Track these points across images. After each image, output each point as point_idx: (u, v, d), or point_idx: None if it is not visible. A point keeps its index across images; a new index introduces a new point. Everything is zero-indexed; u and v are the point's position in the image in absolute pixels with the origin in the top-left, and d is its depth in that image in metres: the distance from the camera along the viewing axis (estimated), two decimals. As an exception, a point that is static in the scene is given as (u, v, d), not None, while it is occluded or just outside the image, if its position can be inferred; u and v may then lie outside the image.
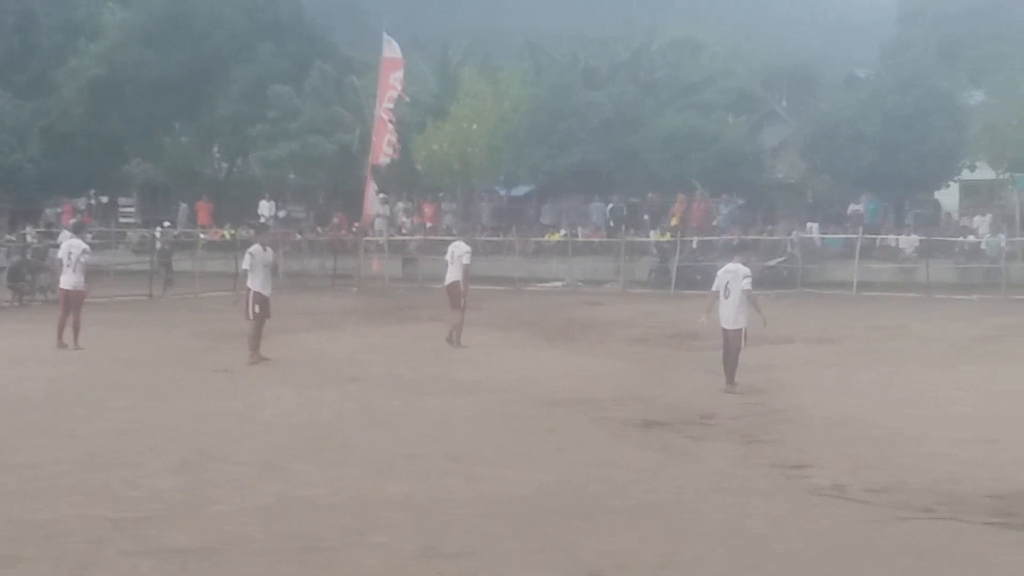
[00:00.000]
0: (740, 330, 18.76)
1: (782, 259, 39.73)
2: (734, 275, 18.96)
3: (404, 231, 48.24)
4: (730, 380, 18.73)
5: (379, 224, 47.23)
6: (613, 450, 13.94)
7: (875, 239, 41.67)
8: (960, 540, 10.22)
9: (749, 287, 18.82)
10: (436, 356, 22.67)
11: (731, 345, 18.82)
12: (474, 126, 46.96)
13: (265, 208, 50.57)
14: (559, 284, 42.28)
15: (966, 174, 44.12)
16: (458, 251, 24.77)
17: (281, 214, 50.95)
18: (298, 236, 47.15)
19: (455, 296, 24.47)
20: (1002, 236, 39.85)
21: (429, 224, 48.65)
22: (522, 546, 9.86)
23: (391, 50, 44.06)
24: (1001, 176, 43.18)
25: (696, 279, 40.34)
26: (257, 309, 21.22)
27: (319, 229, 50.29)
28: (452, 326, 24.38)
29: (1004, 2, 60.17)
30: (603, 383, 19.32)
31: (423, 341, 25.15)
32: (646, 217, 46.02)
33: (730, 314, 18.88)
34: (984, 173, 43.60)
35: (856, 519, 10.81)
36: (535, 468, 12.81)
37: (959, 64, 49.67)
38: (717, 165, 44.71)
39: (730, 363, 18.81)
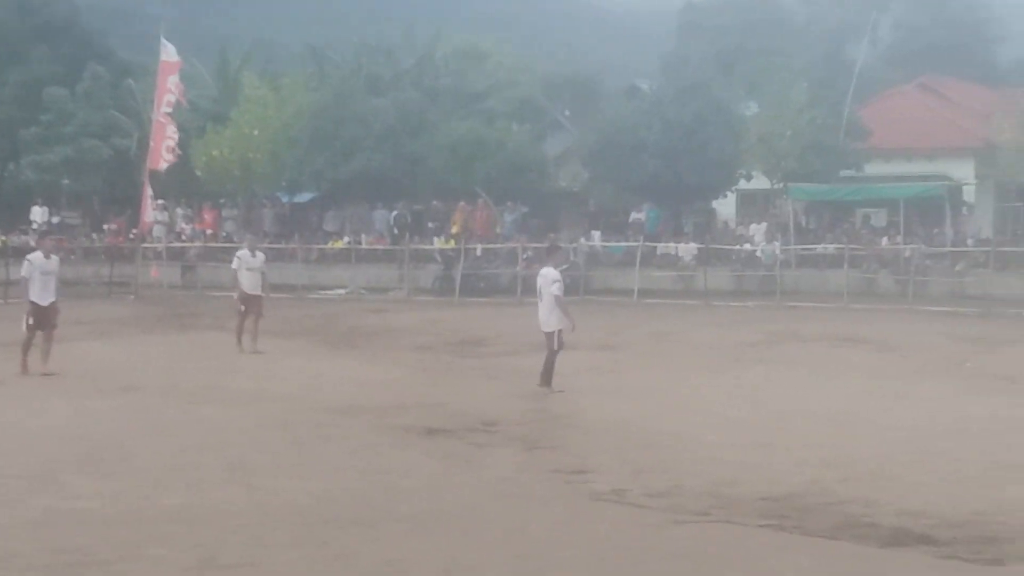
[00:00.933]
0: (552, 333, 19.04)
1: (565, 267, 40.00)
2: (544, 279, 19.32)
3: (184, 237, 47.33)
4: (544, 383, 18.99)
5: (158, 231, 46.24)
6: (396, 458, 13.83)
7: (655, 247, 42.34)
8: (735, 542, 10.36)
9: (557, 291, 19.10)
10: (216, 365, 22.24)
11: (546, 347, 19.07)
12: (255, 132, 46.37)
13: (38, 214, 49.06)
14: (342, 292, 41.96)
15: (743, 184, 45.13)
16: (256, 262, 24.98)
17: (55, 220, 49.47)
18: (70, 243, 45.79)
19: (256, 304, 24.49)
20: (777, 244, 40.85)
21: (209, 231, 47.83)
22: (302, 556, 9.72)
23: (168, 53, 43.15)
24: (776, 186, 44.29)
25: (480, 286, 40.60)
26: (31, 321, 20.63)
27: (94, 236, 49.01)
28: (251, 333, 24.27)
29: (778, 17, 61.91)
30: (387, 391, 19.20)
31: (203, 350, 24.75)
32: (431, 224, 46.02)
33: (543, 317, 19.24)
34: (760, 183, 44.64)
35: (635, 523, 10.90)
36: (316, 477, 12.66)
37: (736, 76, 50.85)
38: (501, 173, 44.88)
39: (545, 365, 19.02)
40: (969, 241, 40.67)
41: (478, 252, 42.67)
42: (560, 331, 19.08)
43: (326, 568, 9.44)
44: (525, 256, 40.86)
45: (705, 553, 9.96)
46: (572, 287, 38.05)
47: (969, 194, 44.90)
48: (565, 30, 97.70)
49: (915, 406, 17.77)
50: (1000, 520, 10.98)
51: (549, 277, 19.32)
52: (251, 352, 23.94)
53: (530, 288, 38.26)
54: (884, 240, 41.25)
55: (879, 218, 44.58)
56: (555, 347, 19.06)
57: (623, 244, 42.81)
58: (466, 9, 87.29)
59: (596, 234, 44.33)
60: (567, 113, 58.13)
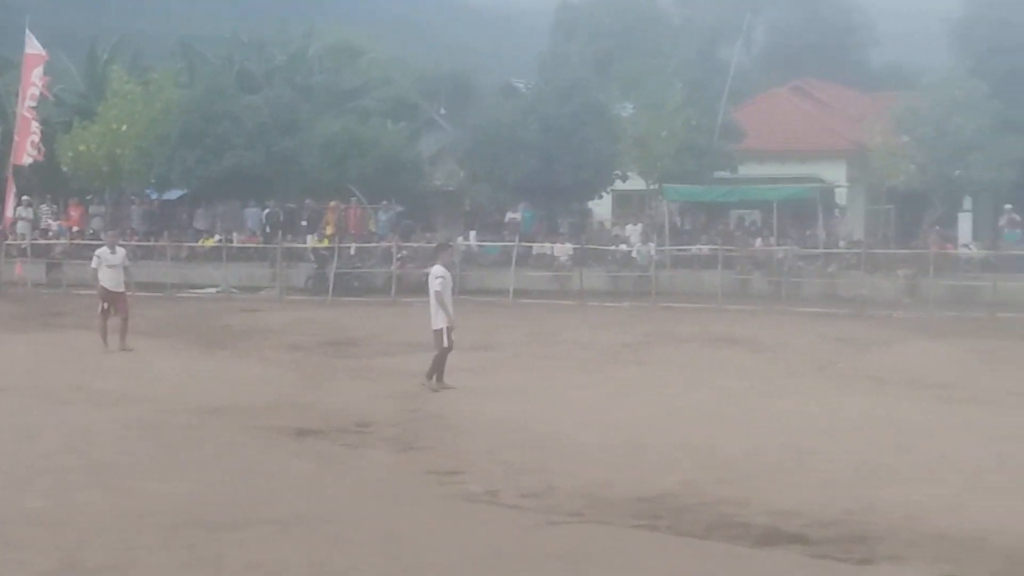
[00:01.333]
0: (438, 331, 19.16)
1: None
2: (431, 277, 19.58)
3: (49, 234, 46.34)
4: (430, 378, 19.13)
5: (22, 227, 45.23)
6: (265, 459, 13.62)
7: (531, 247, 42.34)
8: (608, 543, 10.34)
9: (437, 287, 19.28)
10: (81, 365, 21.75)
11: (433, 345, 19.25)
12: (124, 127, 45.54)
13: None
14: (213, 291, 41.36)
15: (619, 184, 45.25)
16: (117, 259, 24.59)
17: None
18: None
19: (120, 302, 24.12)
20: (652, 245, 41.02)
21: (76, 228, 46.86)
22: (168, 559, 9.52)
23: (32, 46, 42.38)
24: (651, 187, 44.48)
25: (354, 286, 40.29)
26: None
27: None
28: (117, 332, 23.86)
29: (654, 18, 62.30)
30: (257, 391, 18.92)
31: (68, 349, 24.21)
32: (304, 223, 45.55)
33: (432, 315, 19.32)
34: (636, 184, 44.79)
35: (508, 525, 10.84)
36: (183, 479, 12.42)
37: (612, 77, 51.00)
38: (376, 171, 44.54)
39: (433, 363, 19.16)
40: (841, 243, 41.21)
41: (352, 251, 42.33)
42: (448, 329, 19.07)
43: (192, 571, 9.26)
44: (400, 256, 40.64)
45: (578, 554, 9.90)
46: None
47: (841, 196, 45.49)
48: (440, 28, 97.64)
49: (788, 407, 17.89)
50: (870, 519, 11.10)
51: (433, 274, 19.52)
52: (118, 351, 23.49)
53: (405, 288, 38.41)
54: (758, 241, 41.65)
55: (753, 219, 45.00)
56: (443, 344, 19.07)
57: (499, 244, 42.74)
58: (339, 6, 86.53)
59: (472, 234, 44.20)
60: (443, 112, 57.92)
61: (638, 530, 10.76)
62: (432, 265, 20.29)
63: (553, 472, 13.03)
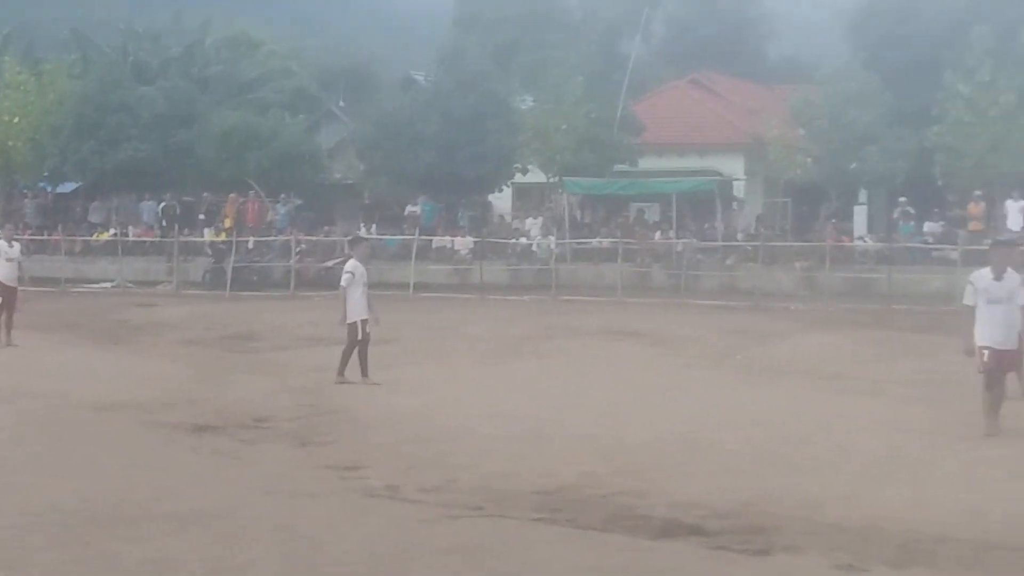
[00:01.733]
0: (352, 324, 19.05)
1: (339, 260, 39.67)
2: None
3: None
4: (362, 374, 19.09)
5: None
6: (161, 455, 13.47)
7: (431, 240, 42.25)
8: (508, 536, 10.30)
9: (343, 283, 19.26)
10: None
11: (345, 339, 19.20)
12: (16, 119, 44.86)
13: None
14: (109, 285, 40.85)
15: (519, 177, 45.24)
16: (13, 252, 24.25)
17: None
18: None
19: (11, 296, 23.81)
20: (552, 238, 41.12)
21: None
22: (61, 557, 9.34)
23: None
24: (552, 180, 44.56)
25: (252, 280, 39.96)
26: None
27: None
28: (4, 326, 23.55)
29: (554, 11, 62.34)
30: (153, 386, 18.69)
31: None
32: (201, 216, 45.10)
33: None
34: (536, 176, 44.85)
35: (408, 519, 10.76)
36: (76, 475, 12.22)
37: (512, 70, 51.01)
38: (274, 164, 44.19)
39: (356, 357, 19.12)
40: (739, 236, 41.56)
41: (250, 245, 42.00)
42: (363, 322, 18.94)
43: (86, 569, 9.11)
44: (299, 249, 40.37)
45: (478, 547, 9.85)
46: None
47: (739, 189, 45.87)
48: (339, 20, 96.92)
49: (687, 398, 18.00)
50: (768, 510, 11.14)
51: (345, 269, 19.51)
52: (4, 346, 23.10)
53: (303, 282, 38.19)
54: (657, 234, 41.85)
55: (652, 213, 45.21)
56: (357, 337, 18.97)
57: (399, 237, 42.60)
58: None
59: (372, 227, 43.99)
60: (342, 104, 57.60)
61: (538, 523, 10.73)
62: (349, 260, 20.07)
63: (454, 466, 12.99)
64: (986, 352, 14.52)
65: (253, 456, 13.58)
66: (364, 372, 19.05)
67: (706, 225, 42.48)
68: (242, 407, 16.81)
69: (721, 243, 40.89)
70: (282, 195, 44.71)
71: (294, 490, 11.85)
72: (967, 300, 14.85)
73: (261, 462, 13.24)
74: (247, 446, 14.17)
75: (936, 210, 41.28)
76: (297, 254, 40.13)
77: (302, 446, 14.24)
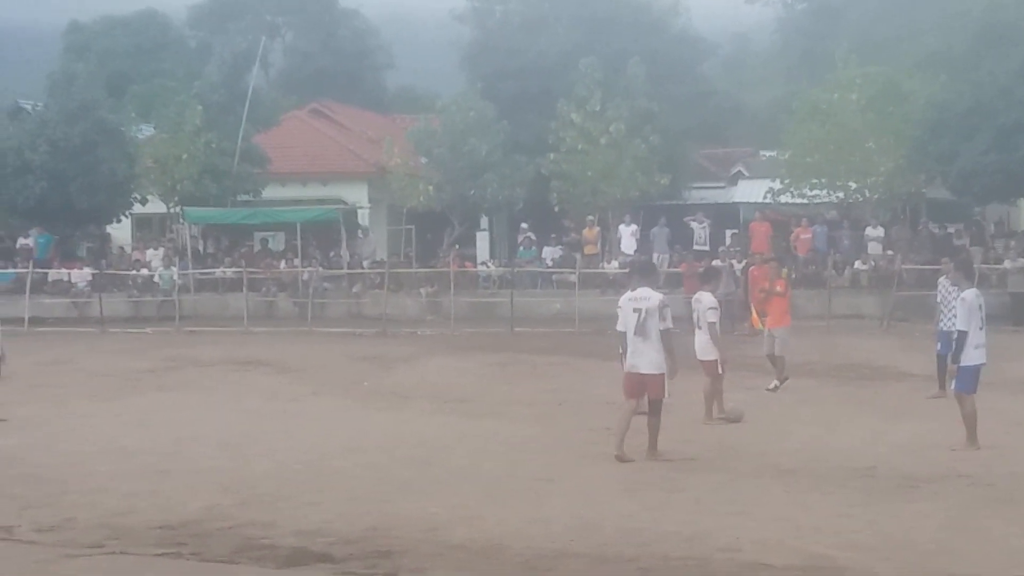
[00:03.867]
0: None
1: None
2: None
3: None
4: None
5: None
6: None
7: (47, 273, 40.70)
8: (131, 572, 10.13)
9: None
10: None
11: None
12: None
13: None
14: None
15: (138, 207, 44.11)
16: None
17: None
18: None
19: None
20: (175, 269, 40.30)
21: None
22: None
23: None
24: (173, 210, 43.74)
25: None
26: None
27: None
28: None
29: (169, 40, 61.40)
30: None
31: None
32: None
33: None
34: (156, 207, 43.92)
35: (24, 559, 10.40)
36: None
37: (128, 98, 49.78)
38: None
39: None
40: (365, 263, 41.71)
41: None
42: None
43: None
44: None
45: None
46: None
47: (364, 217, 46.07)
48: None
49: (312, 426, 17.94)
50: (394, 534, 11.22)
51: None
52: None
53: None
54: (282, 263, 41.61)
55: (277, 242, 44.95)
56: None
57: (12, 271, 40.81)
58: None
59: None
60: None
61: (162, 558, 10.51)
62: None
63: (70, 504, 12.54)
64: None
65: None
66: None
67: (332, 253, 42.48)
68: None
69: (347, 271, 40.97)
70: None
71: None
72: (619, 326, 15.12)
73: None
74: None
75: (554, 235, 42.57)
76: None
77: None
